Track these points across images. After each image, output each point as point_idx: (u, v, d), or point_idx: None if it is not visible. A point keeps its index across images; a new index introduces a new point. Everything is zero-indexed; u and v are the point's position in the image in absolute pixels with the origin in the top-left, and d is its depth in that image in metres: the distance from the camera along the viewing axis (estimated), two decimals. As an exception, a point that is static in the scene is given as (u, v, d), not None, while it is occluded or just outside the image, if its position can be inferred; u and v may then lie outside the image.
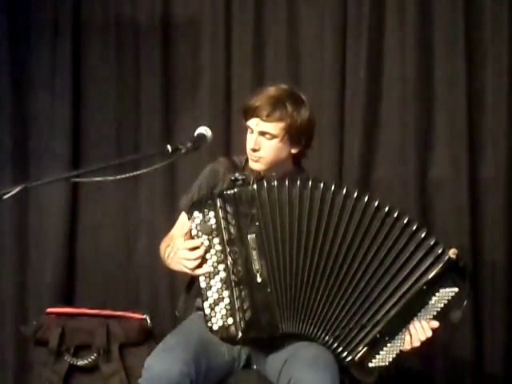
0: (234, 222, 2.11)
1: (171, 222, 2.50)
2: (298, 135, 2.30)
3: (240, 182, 2.17)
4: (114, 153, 3.32)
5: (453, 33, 3.01)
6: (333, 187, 2.09)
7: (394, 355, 2.12)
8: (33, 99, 3.42)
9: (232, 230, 2.11)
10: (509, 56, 2.95)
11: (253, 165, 2.33)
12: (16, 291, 3.41)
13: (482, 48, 3.00)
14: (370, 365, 2.11)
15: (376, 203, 2.08)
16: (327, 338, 2.11)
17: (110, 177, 2.06)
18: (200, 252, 2.12)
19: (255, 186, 2.12)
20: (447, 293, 2.10)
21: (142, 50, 3.34)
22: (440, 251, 2.07)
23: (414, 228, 2.08)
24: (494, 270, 2.99)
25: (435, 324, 2.09)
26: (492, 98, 2.99)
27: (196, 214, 2.14)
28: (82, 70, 3.40)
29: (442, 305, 2.10)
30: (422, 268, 2.08)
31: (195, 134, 2.26)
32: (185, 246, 2.14)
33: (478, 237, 3.01)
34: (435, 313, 2.10)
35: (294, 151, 2.35)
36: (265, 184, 2.11)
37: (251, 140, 2.29)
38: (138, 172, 2.12)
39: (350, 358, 2.11)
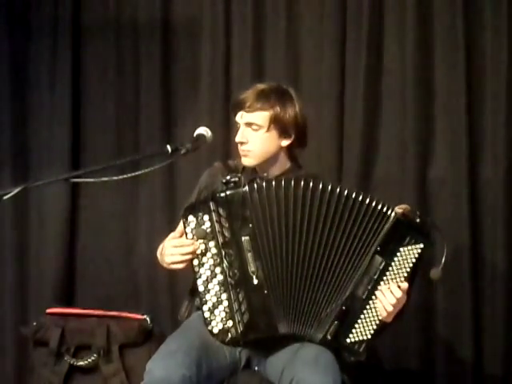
0: (227, 224, 2.12)
1: (171, 222, 2.51)
2: (285, 126, 2.31)
3: (231, 184, 2.18)
4: (113, 153, 3.33)
5: (452, 33, 3.00)
6: (311, 184, 2.11)
7: (374, 326, 2.11)
8: (33, 100, 3.42)
9: (226, 233, 2.12)
10: (508, 56, 2.94)
11: (244, 160, 2.34)
12: (16, 292, 3.42)
13: (482, 48, 3.00)
14: (348, 340, 2.10)
15: (346, 192, 2.10)
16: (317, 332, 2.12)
17: (109, 177, 2.07)
18: (185, 250, 2.12)
19: (246, 188, 2.13)
20: (411, 251, 2.09)
21: (142, 50, 3.34)
22: (389, 213, 2.09)
23: (374, 204, 2.10)
24: (493, 270, 2.98)
25: (404, 285, 2.08)
26: (492, 97, 2.99)
27: (191, 218, 2.14)
28: (82, 70, 3.41)
29: (411, 264, 2.09)
30: (374, 232, 2.09)
31: (195, 134, 2.27)
32: (172, 243, 2.16)
33: (478, 236, 3.00)
34: (406, 274, 2.09)
35: (284, 144, 2.35)
36: (255, 185, 2.13)
37: (238, 133, 2.32)
38: (138, 172, 2.13)
39: (320, 335, 2.10)
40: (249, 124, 2.30)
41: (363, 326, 2.10)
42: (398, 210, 2.11)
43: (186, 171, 3.16)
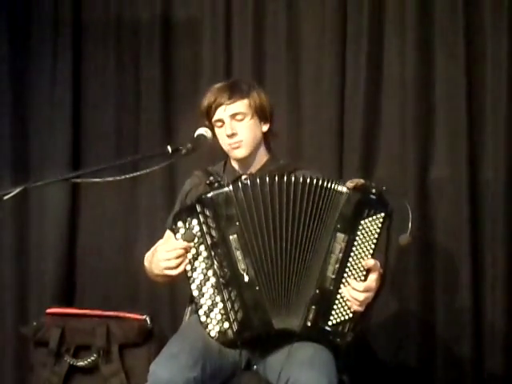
0: (214, 225, 2.13)
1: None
2: (263, 110, 2.35)
3: (216, 184, 2.19)
4: (114, 154, 3.33)
5: (453, 33, 3.00)
6: (293, 179, 2.13)
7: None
8: (33, 100, 3.42)
9: (214, 233, 2.13)
10: (508, 56, 2.94)
11: (236, 153, 2.34)
12: (16, 292, 3.42)
13: (482, 48, 3.00)
14: (330, 323, 2.08)
15: (320, 182, 2.12)
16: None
17: (109, 178, 2.07)
18: (178, 252, 2.12)
19: (231, 187, 2.14)
20: (372, 222, 2.08)
21: (143, 50, 3.35)
22: (340, 189, 2.11)
23: (328, 185, 2.12)
24: (494, 270, 2.98)
25: (370, 262, 2.07)
26: (492, 98, 2.99)
27: (180, 224, 2.15)
28: (83, 70, 3.41)
29: (376, 235, 2.08)
30: (332, 211, 2.10)
31: (195, 134, 2.28)
32: (164, 248, 2.16)
33: (478, 236, 3.00)
34: (373, 245, 2.08)
35: (264, 129, 2.38)
36: (239, 184, 2.14)
37: (226, 127, 2.31)
38: (138, 173, 2.13)
39: (301, 323, 2.09)
40: (234, 115, 2.31)
41: (342, 306, 2.08)
42: (350, 184, 2.12)
43: (186, 172, 3.15)
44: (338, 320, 2.08)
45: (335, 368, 2.07)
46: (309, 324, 2.09)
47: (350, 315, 2.08)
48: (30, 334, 2.93)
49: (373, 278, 2.09)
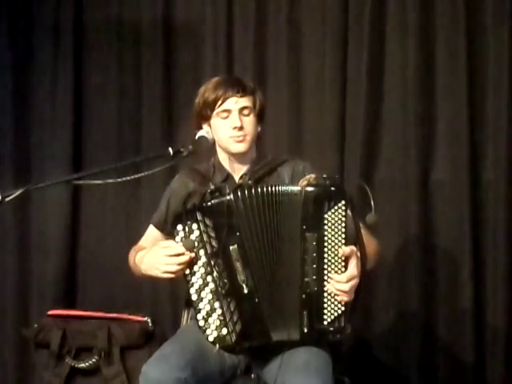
0: (214, 234, 2.11)
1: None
2: (262, 111, 2.35)
3: (216, 193, 2.17)
4: (115, 155, 3.33)
5: (453, 33, 3.01)
6: (287, 188, 2.11)
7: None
8: (34, 102, 3.43)
9: (214, 243, 2.11)
10: (509, 56, 2.95)
11: (237, 147, 2.30)
12: (17, 293, 3.42)
13: (483, 48, 3.00)
14: (325, 323, 2.07)
15: (279, 189, 2.10)
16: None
17: (111, 179, 2.07)
18: (180, 259, 2.11)
19: (232, 196, 2.12)
20: (335, 213, 2.06)
21: (144, 52, 3.35)
22: (295, 190, 2.09)
23: (287, 190, 2.11)
24: (494, 271, 2.99)
25: (346, 251, 2.05)
26: (492, 98, 2.99)
27: (179, 227, 2.14)
28: (84, 72, 3.42)
29: (344, 224, 2.06)
30: (295, 213, 2.08)
31: (196, 136, 2.27)
32: (165, 252, 2.14)
33: (479, 237, 3.01)
34: (343, 235, 2.06)
35: (259, 129, 2.36)
36: (239, 193, 2.12)
37: (234, 119, 2.28)
38: (140, 175, 2.13)
39: (298, 331, 2.08)
40: (242, 109, 2.29)
41: (332, 303, 2.07)
42: (303, 182, 2.10)
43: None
44: (332, 317, 2.07)
45: (331, 372, 2.06)
46: (305, 330, 2.08)
47: (342, 308, 2.07)
48: (31, 336, 2.94)
49: (353, 264, 2.06)
